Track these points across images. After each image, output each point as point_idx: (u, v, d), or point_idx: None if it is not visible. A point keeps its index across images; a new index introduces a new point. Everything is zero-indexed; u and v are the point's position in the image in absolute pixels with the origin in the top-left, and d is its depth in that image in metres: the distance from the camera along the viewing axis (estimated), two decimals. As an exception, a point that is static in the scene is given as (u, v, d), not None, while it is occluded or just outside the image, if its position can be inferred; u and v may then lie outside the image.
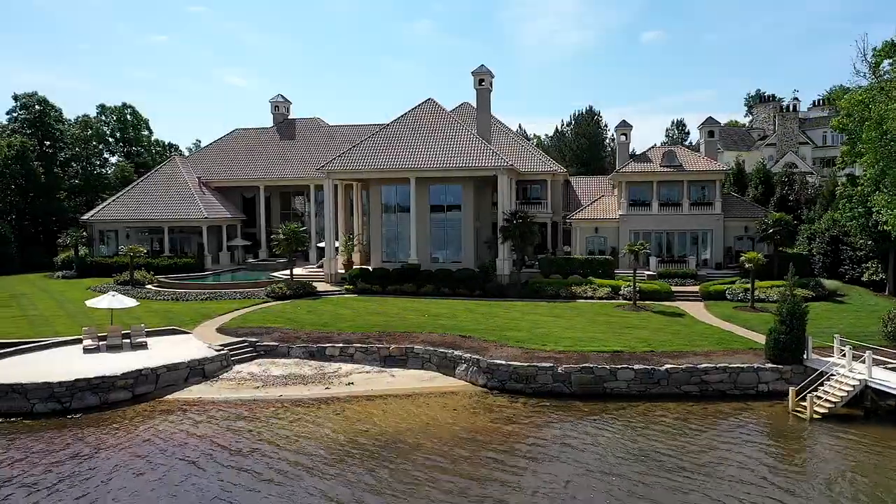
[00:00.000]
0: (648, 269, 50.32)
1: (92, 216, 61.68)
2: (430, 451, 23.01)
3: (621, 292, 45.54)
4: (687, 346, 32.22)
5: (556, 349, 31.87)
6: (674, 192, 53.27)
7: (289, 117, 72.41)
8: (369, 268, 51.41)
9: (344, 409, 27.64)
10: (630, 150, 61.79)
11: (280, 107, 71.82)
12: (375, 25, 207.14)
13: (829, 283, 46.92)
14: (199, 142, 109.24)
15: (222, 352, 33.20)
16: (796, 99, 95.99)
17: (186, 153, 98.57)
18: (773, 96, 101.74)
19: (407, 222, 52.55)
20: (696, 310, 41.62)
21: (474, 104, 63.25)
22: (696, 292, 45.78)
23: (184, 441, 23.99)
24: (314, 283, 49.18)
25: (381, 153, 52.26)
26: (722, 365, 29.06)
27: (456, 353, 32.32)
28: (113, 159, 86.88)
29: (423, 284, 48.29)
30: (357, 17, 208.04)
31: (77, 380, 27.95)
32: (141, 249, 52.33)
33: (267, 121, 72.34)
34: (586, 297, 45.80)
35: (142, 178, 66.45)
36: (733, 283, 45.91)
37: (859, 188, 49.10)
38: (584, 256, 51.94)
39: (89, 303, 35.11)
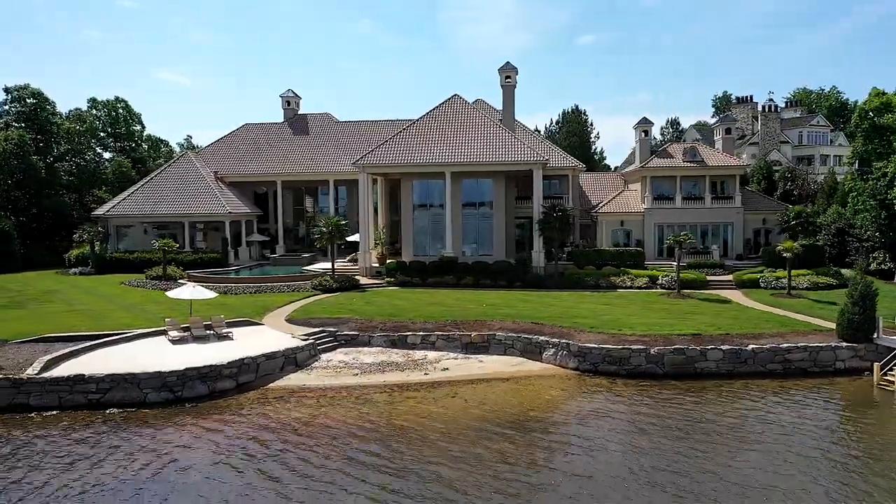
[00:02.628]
0: (676, 261, 52.33)
1: (107, 212, 60.33)
2: (569, 427, 24.14)
3: (659, 282, 47.50)
4: (755, 329, 34.13)
5: (637, 333, 33.36)
6: (696, 187, 55.68)
7: (299, 112, 72.17)
8: (406, 261, 51.99)
9: (456, 393, 28.44)
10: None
11: (291, 102, 71.51)
12: (320, 24, 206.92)
13: (846, 272, 49.86)
14: (191, 137, 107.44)
15: (308, 341, 33.54)
16: (771, 100, 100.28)
17: (177, 149, 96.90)
18: (751, 97, 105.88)
19: (437, 217, 53.50)
20: (737, 297, 43.75)
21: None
22: (730, 281, 48.05)
23: (325, 426, 24.37)
24: (355, 277, 49.60)
25: (414, 148, 52.94)
26: (802, 344, 31.07)
27: (542, 338, 33.43)
28: (107, 154, 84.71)
29: (462, 276, 49.25)
30: (301, 16, 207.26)
31: (188, 369, 28.01)
32: (174, 244, 51.60)
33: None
34: (625, 287, 47.51)
35: (155, 174, 65.27)
36: (761, 272, 48.36)
37: (870, 183, 52.47)
38: (614, 248, 53.78)
39: (170, 294, 34.91)
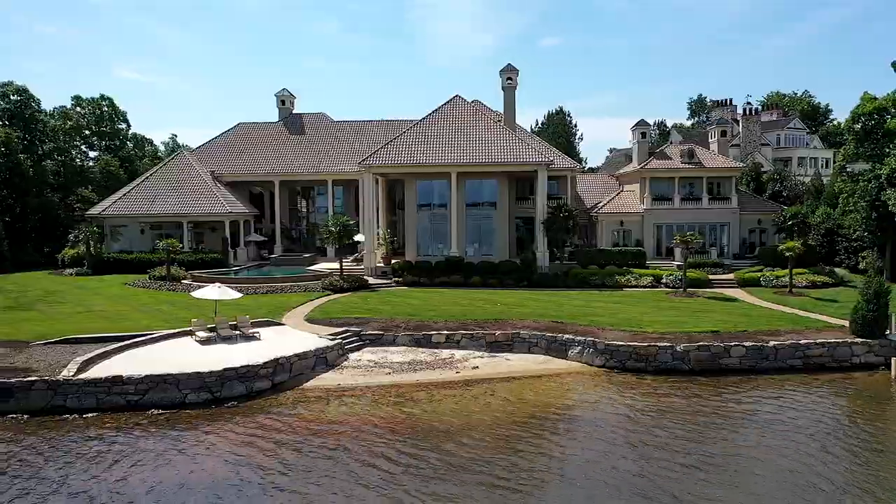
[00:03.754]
0: (675, 260, 53.59)
1: (102, 212, 59.26)
2: (622, 421, 24.81)
3: (663, 281, 48.56)
4: (769, 326, 35.26)
5: (658, 331, 34.21)
6: (693, 188, 57.01)
7: (294, 111, 71.74)
8: (411, 261, 52.21)
9: (494, 391, 28.85)
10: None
11: (286, 101, 71.01)
12: (284, 23, 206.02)
13: (839, 271, 51.76)
14: (175, 136, 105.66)
15: (336, 341, 33.66)
16: (749, 103, 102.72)
17: (162, 147, 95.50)
18: (729, 101, 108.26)
19: (441, 217, 53.88)
20: (741, 295, 45.00)
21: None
22: (730, 280, 49.35)
23: (376, 425, 24.51)
24: (363, 277, 49.70)
25: (418, 148, 53.18)
26: (821, 340, 32.26)
27: (566, 336, 34.04)
28: (92, 153, 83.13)
29: (469, 276, 49.65)
30: (267, 14, 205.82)
31: (226, 369, 27.91)
32: (178, 245, 50.99)
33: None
34: (631, 286, 48.43)
35: (149, 173, 64.28)
36: (761, 271, 49.83)
37: (861, 185, 54.27)
38: (617, 248, 54.83)
39: (196, 294, 34.63)
